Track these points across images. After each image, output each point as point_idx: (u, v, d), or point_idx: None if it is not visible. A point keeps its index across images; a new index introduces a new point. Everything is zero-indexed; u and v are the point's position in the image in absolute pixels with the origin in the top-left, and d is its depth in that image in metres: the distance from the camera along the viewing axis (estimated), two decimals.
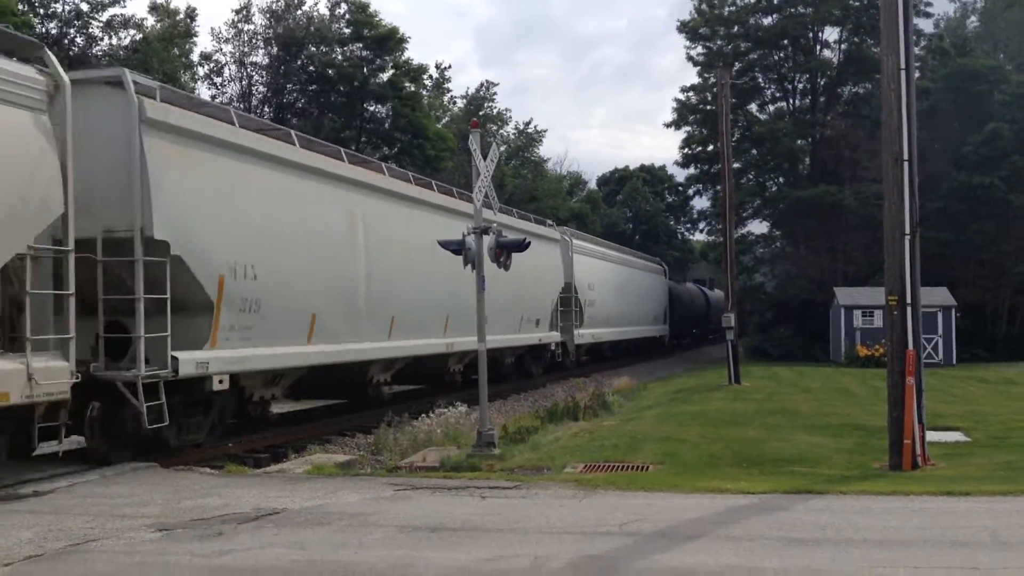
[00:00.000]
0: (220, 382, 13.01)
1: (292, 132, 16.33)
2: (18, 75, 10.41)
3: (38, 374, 10.12)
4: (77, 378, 10.81)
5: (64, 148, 10.77)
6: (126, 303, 11.68)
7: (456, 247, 14.23)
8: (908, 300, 11.82)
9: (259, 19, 43.81)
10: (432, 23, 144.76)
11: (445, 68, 54.59)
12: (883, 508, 9.03)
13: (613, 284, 37.75)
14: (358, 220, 17.07)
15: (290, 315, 14.83)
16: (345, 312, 16.56)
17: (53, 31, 29.49)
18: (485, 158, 14.17)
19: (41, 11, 29.82)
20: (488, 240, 13.97)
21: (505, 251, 14.24)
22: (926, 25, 48.14)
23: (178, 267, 12.17)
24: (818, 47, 47.51)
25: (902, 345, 11.80)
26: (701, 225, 64.64)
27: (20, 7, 27.17)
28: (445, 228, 18.61)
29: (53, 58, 11.06)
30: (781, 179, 49.04)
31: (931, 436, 12.79)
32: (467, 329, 19.27)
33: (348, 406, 19.87)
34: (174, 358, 11.98)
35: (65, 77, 10.91)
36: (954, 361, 36.13)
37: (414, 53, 45.48)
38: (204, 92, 42.28)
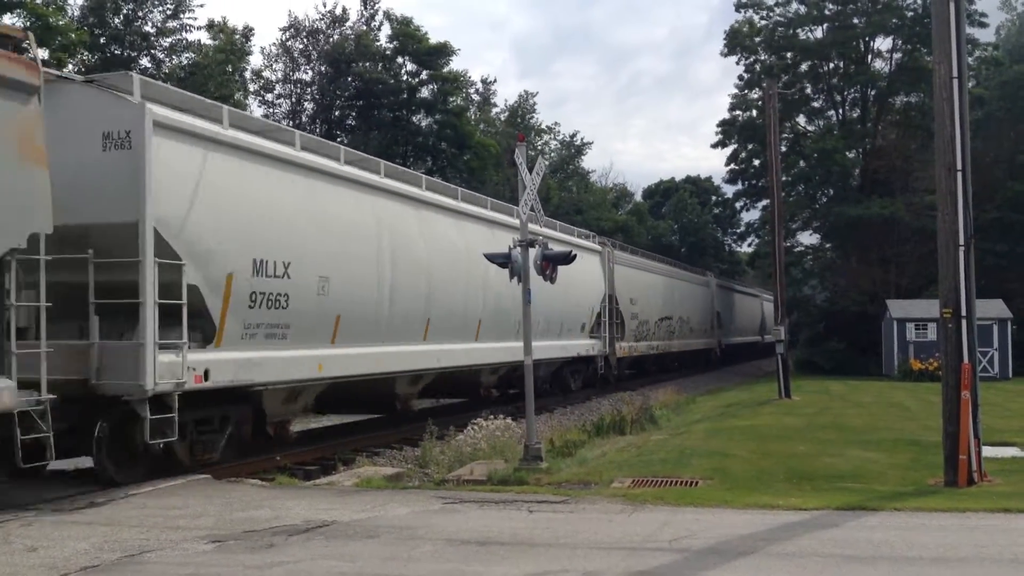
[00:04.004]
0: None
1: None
2: None
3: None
4: None
5: None
6: None
7: (502, 260, 14.20)
8: (963, 313, 11.60)
9: (305, 37, 44.47)
10: (470, 34, 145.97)
11: (492, 82, 55.02)
12: (938, 525, 8.86)
13: (745, 311, 56.14)
14: None
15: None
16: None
17: (118, 52, 30.55)
18: (531, 172, 14.18)
19: (123, 32, 30.94)
20: (534, 253, 13.94)
21: (551, 264, 14.22)
22: (984, 35, 47.33)
23: None
24: (869, 56, 46.90)
25: (957, 358, 11.58)
26: (749, 238, 64.49)
27: (97, 31, 28.29)
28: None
29: None
30: (831, 191, 48.35)
31: (987, 451, 12.53)
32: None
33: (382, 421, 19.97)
34: None
35: None
36: (1010, 374, 35.40)
37: (454, 64, 45.84)
38: (256, 110, 43.00)
